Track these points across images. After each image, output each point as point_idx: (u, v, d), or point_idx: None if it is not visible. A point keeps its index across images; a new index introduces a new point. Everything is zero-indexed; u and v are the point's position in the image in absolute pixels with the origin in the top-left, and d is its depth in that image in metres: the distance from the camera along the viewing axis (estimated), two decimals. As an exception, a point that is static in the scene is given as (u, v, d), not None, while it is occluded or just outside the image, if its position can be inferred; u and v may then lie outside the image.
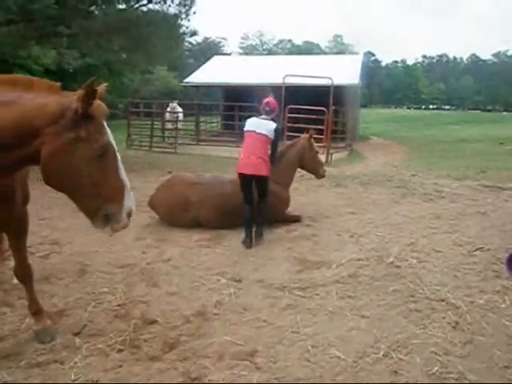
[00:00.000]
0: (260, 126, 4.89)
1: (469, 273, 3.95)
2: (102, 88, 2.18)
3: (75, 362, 2.57)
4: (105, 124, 2.09)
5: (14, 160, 2.07)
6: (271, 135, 4.87)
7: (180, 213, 5.23)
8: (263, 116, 5.02)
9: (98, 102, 2.04)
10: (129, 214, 2.16)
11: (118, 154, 2.14)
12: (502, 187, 7.92)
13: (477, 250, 4.51)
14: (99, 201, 2.09)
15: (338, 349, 2.75)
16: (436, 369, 2.55)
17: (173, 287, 3.63)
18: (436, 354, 2.69)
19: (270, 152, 4.96)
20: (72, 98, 2.00)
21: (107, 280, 3.74)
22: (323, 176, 6.08)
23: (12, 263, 3.66)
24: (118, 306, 3.28)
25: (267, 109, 5.03)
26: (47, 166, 2.02)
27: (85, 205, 2.14)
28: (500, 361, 2.63)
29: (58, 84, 2.09)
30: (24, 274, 2.83)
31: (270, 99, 5.11)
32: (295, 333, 2.95)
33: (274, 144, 5.00)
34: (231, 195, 5.25)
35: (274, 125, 4.91)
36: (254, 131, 4.87)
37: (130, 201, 2.13)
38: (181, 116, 16.32)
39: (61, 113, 1.97)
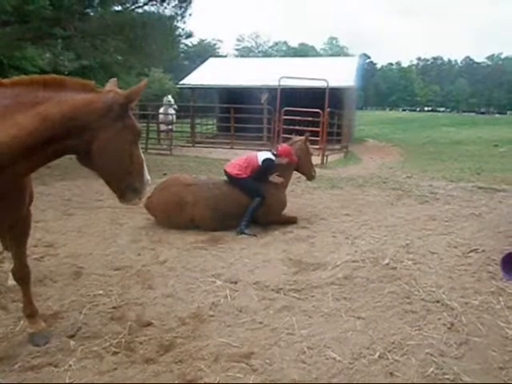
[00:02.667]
0: (260, 153, 5.71)
1: (464, 274, 3.96)
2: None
3: (70, 365, 2.55)
4: None
5: (57, 151, 2.26)
6: (259, 160, 5.51)
7: (175, 213, 5.23)
8: (274, 153, 5.73)
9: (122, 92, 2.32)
10: (147, 184, 2.53)
11: None
12: (496, 189, 7.97)
13: (472, 251, 4.53)
14: (131, 177, 2.42)
15: (333, 350, 2.75)
16: (431, 370, 2.55)
17: (168, 289, 3.62)
18: (431, 355, 2.70)
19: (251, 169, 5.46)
20: (112, 94, 2.26)
21: (102, 282, 3.72)
22: (314, 178, 6.22)
23: (6, 266, 3.66)
24: (113, 308, 3.27)
25: (274, 152, 5.74)
26: (101, 154, 2.26)
27: (121, 183, 2.42)
28: (495, 362, 2.63)
29: (93, 82, 2.30)
30: (23, 275, 2.82)
31: (283, 148, 5.80)
32: (291, 334, 2.95)
33: (261, 167, 5.48)
34: (226, 196, 5.32)
35: (267, 154, 5.62)
36: (255, 153, 5.71)
37: (147, 173, 2.52)
38: (176, 106, 16.36)
39: (108, 108, 2.21)
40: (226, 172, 5.52)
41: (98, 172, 2.39)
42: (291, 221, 5.70)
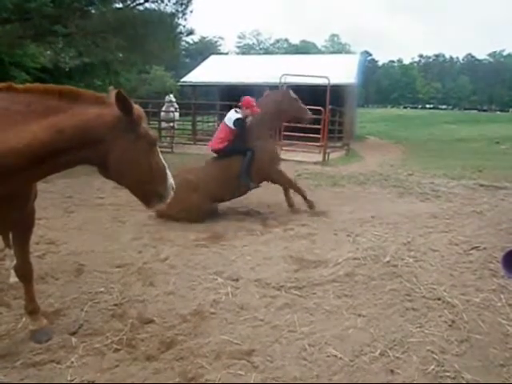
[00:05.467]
0: (227, 117, 5.85)
1: (465, 272, 3.96)
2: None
3: (72, 362, 2.56)
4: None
5: (69, 161, 2.28)
6: (230, 124, 5.73)
7: (183, 195, 5.26)
8: (237, 110, 5.88)
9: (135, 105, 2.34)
10: (172, 188, 2.56)
11: None
12: (498, 186, 7.95)
13: (473, 248, 4.52)
14: (153, 184, 2.46)
15: (334, 348, 2.75)
16: (432, 367, 2.55)
17: (169, 286, 3.63)
18: (432, 352, 2.70)
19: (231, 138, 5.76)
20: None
21: (104, 280, 3.72)
22: (311, 118, 6.47)
23: (7, 263, 3.67)
24: (115, 305, 3.28)
25: (239, 104, 5.88)
26: (119, 166, 2.30)
27: (144, 191, 2.48)
28: (496, 359, 2.64)
29: (105, 95, 2.33)
30: (25, 272, 2.83)
31: (246, 98, 5.89)
32: (292, 332, 2.95)
33: (239, 132, 5.72)
34: (226, 168, 5.69)
35: (234, 116, 5.76)
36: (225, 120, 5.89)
37: (171, 177, 2.55)
38: (176, 105, 16.39)
39: (117, 120, 2.23)
40: (212, 150, 5.86)
41: (120, 183, 2.45)
42: (289, 182, 6.05)
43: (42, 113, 2.10)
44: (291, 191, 6.22)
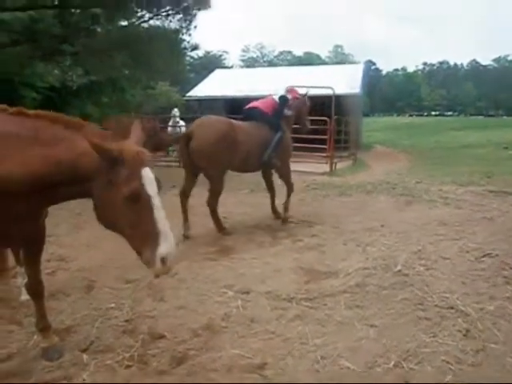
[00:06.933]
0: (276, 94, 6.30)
1: (477, 279, 3.91)
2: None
3: (83, 379, 2.55)
4: (143, 169, 2.10)
5: (68, 195, 2.31)
6: (276, 97, 6.16)
7: (225, 149, 5.35)
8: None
9: (130, 147, 2.14)
10: (163, 261, 2.13)
11: (156, 200, 2.13)
12: (507, 192, 7.87)
13: (484, 256, 4.47)
14: (138, 243, 2.18)
15: (347, 359, 2.72)
16: (448, 378, 2.51)
17: (180, 301, 3.62)
18: (447, 362, 2.65)
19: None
20: (112, 143, 2.11)
21: (114, 295, 3.73)
22: (308, 129, 7.04)
23: (19, 280, 3.68)
24: (126, 321, 3.27)
25: (286, 91, 6.39)
26: (96, 207, 2.23)
27: (131, 243, 2.24)
28: (513, 368, 2.58)
29: (110, 132, 2.24)
30: (37, 290, 2.83)
31: (290, 87, 6.66)
32: (304, 344, 2.92)
33: (278, 108, 6.05)
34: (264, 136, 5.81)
35: (282, 93, 6.28)
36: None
37: (165, 247, 2.12)
38: (181, 121, 16.39)
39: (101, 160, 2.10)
40: (253, 108, 6.01)
41: (104, 226, 2.30)
42: (289, 180, 6.33)
43: (48, 141, 2.13)
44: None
